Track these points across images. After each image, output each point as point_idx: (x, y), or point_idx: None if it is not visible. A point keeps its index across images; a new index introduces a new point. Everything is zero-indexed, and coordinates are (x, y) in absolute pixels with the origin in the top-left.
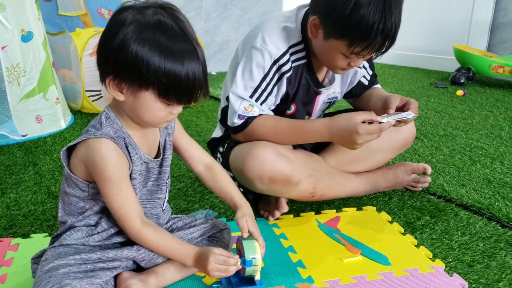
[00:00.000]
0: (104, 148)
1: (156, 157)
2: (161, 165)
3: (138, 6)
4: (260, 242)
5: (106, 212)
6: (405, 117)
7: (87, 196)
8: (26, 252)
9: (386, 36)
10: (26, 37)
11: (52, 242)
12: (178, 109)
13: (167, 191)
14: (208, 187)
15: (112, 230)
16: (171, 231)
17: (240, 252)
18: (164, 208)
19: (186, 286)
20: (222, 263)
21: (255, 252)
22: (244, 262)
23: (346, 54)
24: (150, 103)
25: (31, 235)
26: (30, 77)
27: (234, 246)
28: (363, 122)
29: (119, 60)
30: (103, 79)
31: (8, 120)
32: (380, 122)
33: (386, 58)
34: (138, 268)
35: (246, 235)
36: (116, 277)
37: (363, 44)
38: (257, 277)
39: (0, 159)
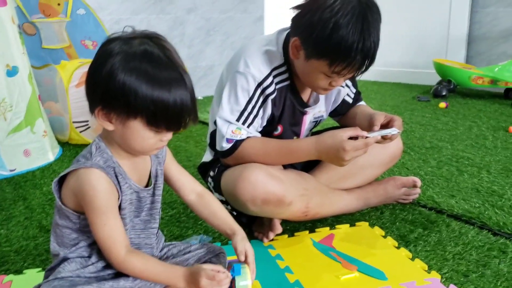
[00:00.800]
0: (93, 178)
1: (146, 186)
2: (153, 194)
3: (124, 37)
4: (252, 266)
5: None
6: (390, 133)
7: (79, 228)
8: None
9: (366, 55)
10: (11, 72)
11: (46, 276)
12: (168, 136)
13: (159, 219)
14: (201, 216)
15: (105, 262)
16: (166, 258)
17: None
18: (156, 237)
19: None
20: (212, 277)
21: (246, 275)
22: (232, 270)
23: (327, 73)
24: (139, 131)
25: (24, 271)
26: (16, 111)
27: None
28: (350, 138)
29: (107, 90)
30: (92, 110)
31: None
32: (366, 137)
33: (368, 75)
34: None
35: (243, 258)
36: None
37: (343, 63)
38: None
39: None
